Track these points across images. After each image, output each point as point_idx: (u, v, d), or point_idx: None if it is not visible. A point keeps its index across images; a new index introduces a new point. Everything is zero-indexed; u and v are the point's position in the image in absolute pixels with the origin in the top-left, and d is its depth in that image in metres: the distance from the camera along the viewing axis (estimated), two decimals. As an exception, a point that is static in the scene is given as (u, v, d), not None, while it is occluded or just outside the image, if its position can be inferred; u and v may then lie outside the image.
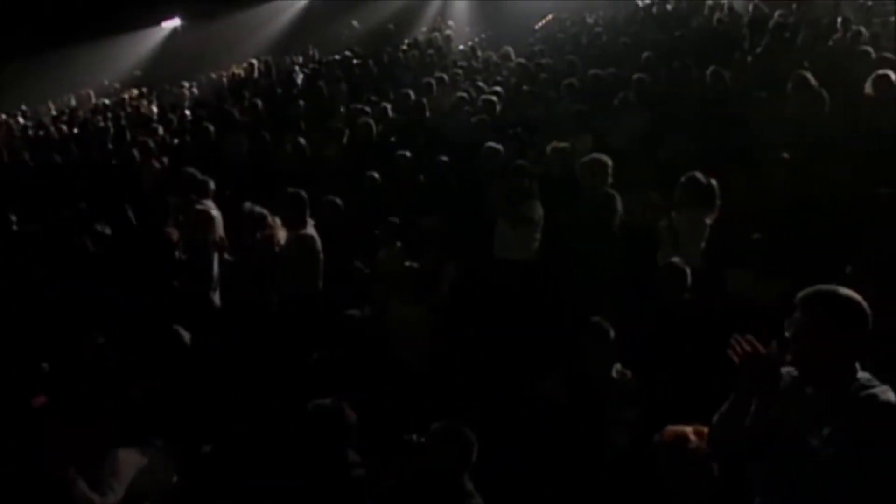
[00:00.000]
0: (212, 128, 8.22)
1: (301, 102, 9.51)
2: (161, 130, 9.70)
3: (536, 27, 13.62)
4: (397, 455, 3.06)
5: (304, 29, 16.12)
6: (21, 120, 13.14)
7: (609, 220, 4.67)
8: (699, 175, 4.50)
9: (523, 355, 4.17)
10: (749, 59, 7.70)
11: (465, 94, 7.95)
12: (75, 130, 11.21)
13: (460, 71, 9.64)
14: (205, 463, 3.61)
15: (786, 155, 5.20)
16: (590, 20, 12.27)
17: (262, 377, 4.36)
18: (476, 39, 12.88)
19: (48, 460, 3.10)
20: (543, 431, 3.36)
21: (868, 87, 5.69)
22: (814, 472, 1.81)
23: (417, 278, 4.54)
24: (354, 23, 15.45)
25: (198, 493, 3.38)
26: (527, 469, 3.26)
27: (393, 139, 7.27)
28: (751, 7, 9.95)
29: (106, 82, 15.55)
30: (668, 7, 11.68)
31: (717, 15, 9.93)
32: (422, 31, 14.22)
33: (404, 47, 12.29)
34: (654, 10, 11.75)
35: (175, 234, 5.21)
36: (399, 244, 5.20)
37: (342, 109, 8.96)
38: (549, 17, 13.87)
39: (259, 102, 9.48)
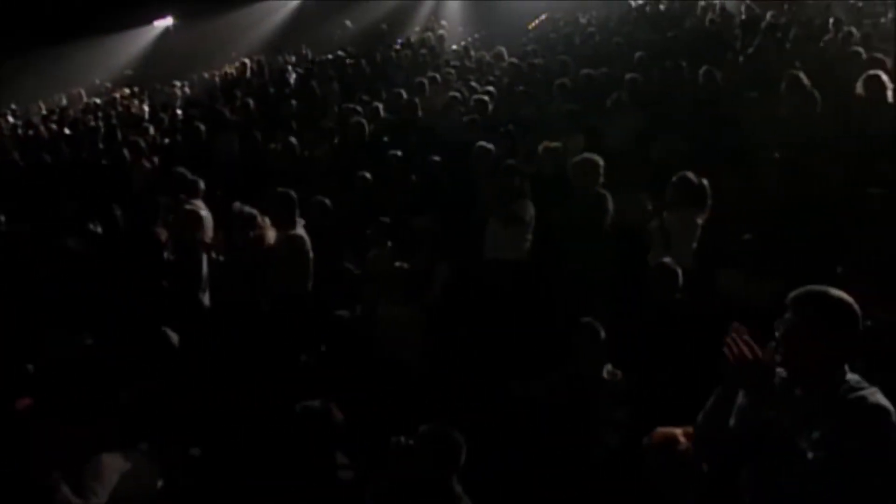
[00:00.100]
0: (203, 127, 8.17)
1: (293, 102, 9.47)
2: (152, 130, 9.64)
3: (530, 27, 13.61)
4: (385, 457, 3.03)
5: (296, 28, 16.08)
6: (10, 119, 13.03)
7: (600, 220, 4.66)
8: (690, 175, 4.49)
9: (514, 356, 4.15)
10: (741, 59, 7.71)
11: (457, 94, 7.92)
12: (65, 130, 11.13)
13: (452, 71, 9.62)
14: (192, 466, 3.57)
15: (777, 155, 5.20)
16: (583, 20, 12.27)
17: (250, 378, 4.32)
18: (469, 39, 12.86)
19: (33, 463, 3.05)
20: (533, 432, 3.34)
21: (859, 88, 5.70)
22: (802, 474, 1.79)
23: (407, 278, 4.52)
24: (347, 22, 15.42)
25: (184, 496, 3.34)
26: (516, 470, 3.24)
27: (385, 139, 7.25)
28: (743, 8, 9.97)
29: (97, 81, 15.46)
30: (661, 7, 11.70)
31: (709, 15, 9.94)
32: (415, 30, 14.19)
33: (397, 47, 12.26)
34: (647, 10, 11.77)
35: (164, 235, 5.16)
36: (390, 244, 5.17)
37: (335, 109, 8.92)
38: (543, 17, 13.87)
39: (251, 102, 9.44)
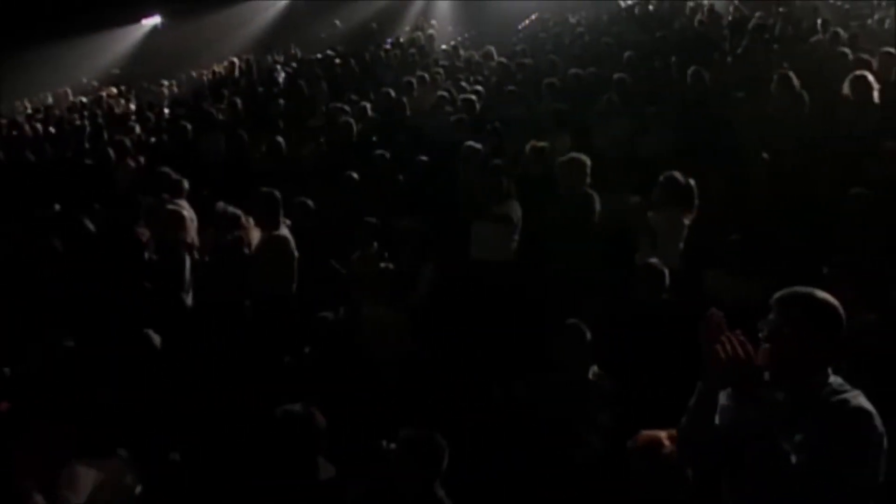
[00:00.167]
0: (189, 127, 8.09)
1: (281, 101, 9.40)
2: (138, 129, 9.55)
3: (520, 27, 13.61)
4: (368, 462, 2.99)
5: (286, 27, 16.00)
6: (-5, 118, 12.89)
7: (587, 221, 4.63)
8: (677, 175, 4.47)
9: (501, 357, 4.12)
10: (729, 59, 7.73)
11: (445, 94, 7.89)
12: (50, 129, 11.01)
13: (441, 70, 9.59)
14: (172, 471, 3.51)
15: (765, 155, 5.20)
16: (572, 20, 12.27)
17: (233, 381, 4.27)
18: (459, 39, 12.84)
19: (11, 469, 2.98)
20: (517, 435, 3.30)
21: (846, 88, 5.71)
22: (785, 477, 1.77)
23: (393, 280, 4.47)
24: (337, 22, 15.37)
25: (163, 503, 3.28)
26: (500, 473, 3.20)
27: (373, 139, 7.20)
28: (731, 8, 9.99)
29: (84, 80, 15.31)
30: (650, 8, 11.72)
31: (698, 16, 9.96)
32: (405, 30, 14.16)
33: (387, 46, 12.22)
34: (637, 11, 11.79)
35: (146, 235, 5.09)
36: (375, 245, 5.12)
37: (322, 109, 8.87)
38: (534, 16, 13.87)
39: (238, 101, 9.36)
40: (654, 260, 4.02)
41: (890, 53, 6.26)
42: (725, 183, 5.12)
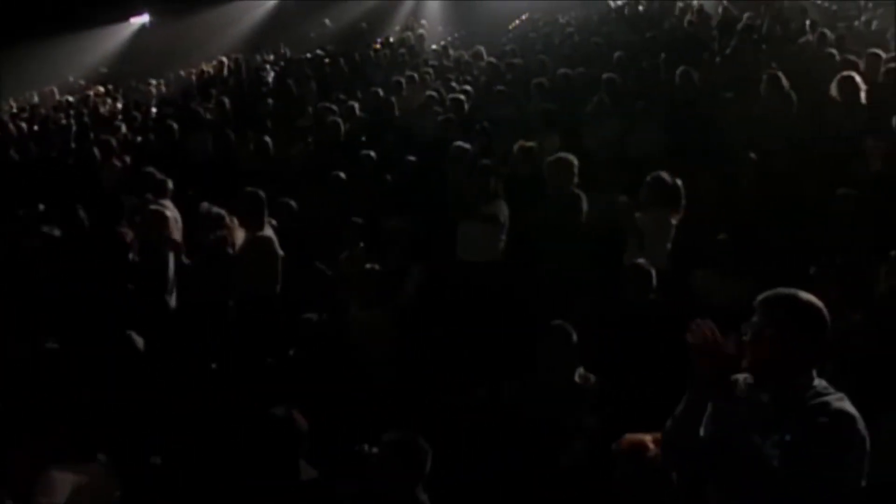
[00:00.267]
0: (176, 126, 8.02)
1: (270, 101, 9.34)
2: (124, 128, 9.46)
3: (510, 27, 13.60)
4: (351, 465, 2.94)
5: (276, 27, 15.92)
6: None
7: (575, 221, 4.61)
8: (664, 175, 4.46)
9: (488, 358, 4.09)
10: (718, 59, 7.73)
11: (434, 94, 7.86)
12: (35, 128, 10.88)
13: (431, 70, 9.55)
14: (152, 475, 3.45)
15: (753, 155, 5.20)
16: (562, 20, 12.27)
17: (217, 382, 4.22)
18: (449, 39, 12.81)
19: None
20: (502, 438, 3.27)
21: (833, 89, 5.72)
22: (767, 480, 1.74)
23: (378, 280, 4.43)
24: (327, 21, 15.30)
25: (143, 506, 3.22)
26: (484, 477, 3.17)
27: (361, 138, 7.16)
28: (720, 9, 10.02)
29: (71, 79, 15.16)
30: (640, 9, 11.73)
31: (687, 17, 9.97)
32: (395, 29, 14.12)
33: (377, 46, 12.17)
34: (626, 11, 11.80)
35: (129, 235, 5.03)
36: (362, 245, 5.08)
37: (310, 109, 8.82)
38: (524, 16, 13.87)
39: (226, 101, 9.29)
40: (641, 260, 3.99)
41: (877, 55, 6.28)
42: (714, 183, 5.11)
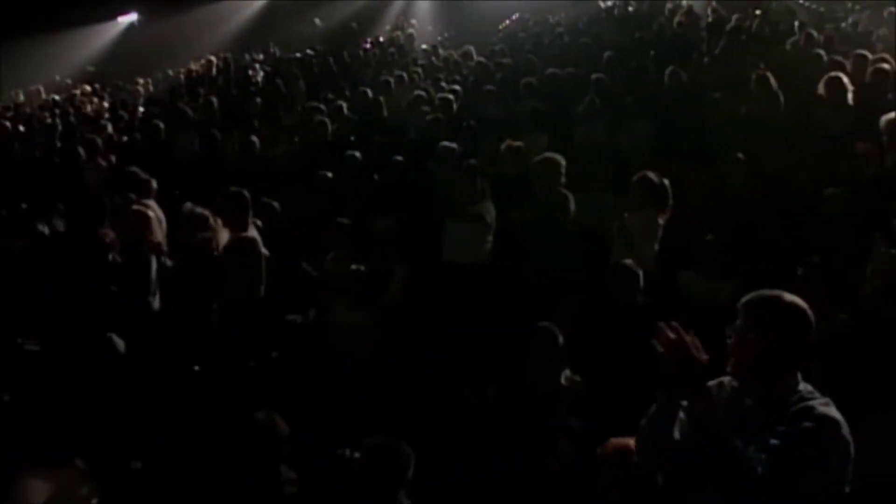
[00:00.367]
0: (162, 125, 7.94)
1: (258, 100, 9.27)
2: (110, 128, 9.35)
3: (500, 27, 13.59)
4: (332, 470, 2.90)
5: (265, 26, 15.85)
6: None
7: (562, 221, 4.58)
8: (652, 175, 4.43)
9: (474, 360, 4.05)
10: (706, 60, 7.74)
11: (422, 93, 7.82)
12: (20, 127, 10.75)
13: (420, 70, 9.51)
14: (131, 481, 3.39)
15: (741, 155, 5.19)
16: (552, 20, 12.28)
17: (200, 385, 4.16)
18: (439, 38, 12.79)
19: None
20: (487, 441, 3.23)
21: (820, 90, 5.72)
22: (750, 484, 1.71)
23: (364, 281, 4.38)
24: (317, 20, 15.25)
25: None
26: (469, 482, 3.13)
27: (349, 138, 7.11)
28: (709, 10, 10.04)
29: (57, 78, 15.02)
30: (630, 9, 11.75)
31: (676, 18, 9.99)
32: (385, 29, 14.09)
33: (366, 45, 12.13)
34: (616, 12, 11.81)
35: (110, 236, 4.95)
36: (348, 246, 5.02)
37: (298, 108, 8.76)
38: (514, 16, 13.87)
39: (214, 100, 9.21)
40: (628, 261, 3.97)
41: (863, 56, 6.30)
42: (702, 183, 5.09)
